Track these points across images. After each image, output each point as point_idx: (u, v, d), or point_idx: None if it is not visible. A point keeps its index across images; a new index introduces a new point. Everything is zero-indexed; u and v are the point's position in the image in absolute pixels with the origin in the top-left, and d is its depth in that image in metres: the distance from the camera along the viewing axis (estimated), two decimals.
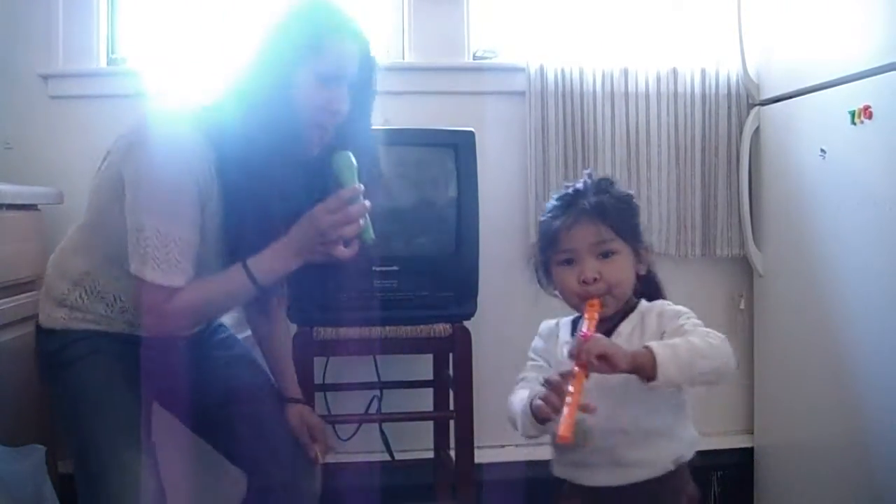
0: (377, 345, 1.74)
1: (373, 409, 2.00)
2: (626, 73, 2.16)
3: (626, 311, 1.22)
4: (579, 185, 1.26)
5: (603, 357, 1.05)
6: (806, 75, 1.89)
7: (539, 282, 1.29)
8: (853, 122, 1.69)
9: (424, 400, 2.00)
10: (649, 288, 1.27)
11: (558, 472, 1.26)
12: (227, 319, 1.61)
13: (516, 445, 2.05)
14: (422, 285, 1.76)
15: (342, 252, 1.26)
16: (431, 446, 2.03)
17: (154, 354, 1.35)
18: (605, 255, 1.19)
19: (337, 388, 1.98)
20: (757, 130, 2.14)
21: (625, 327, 1.20)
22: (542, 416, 1.10)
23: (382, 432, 2.01)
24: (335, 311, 1.71)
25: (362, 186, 1.26)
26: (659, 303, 1.23)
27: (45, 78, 2.09)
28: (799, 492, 1.98)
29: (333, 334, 1.71)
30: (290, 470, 1.41)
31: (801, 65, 1.92)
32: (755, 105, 2.16)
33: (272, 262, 1.26)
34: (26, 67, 2.08)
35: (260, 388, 1.48)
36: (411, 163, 1.84)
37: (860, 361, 1.72)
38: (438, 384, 1.98)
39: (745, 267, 2.25)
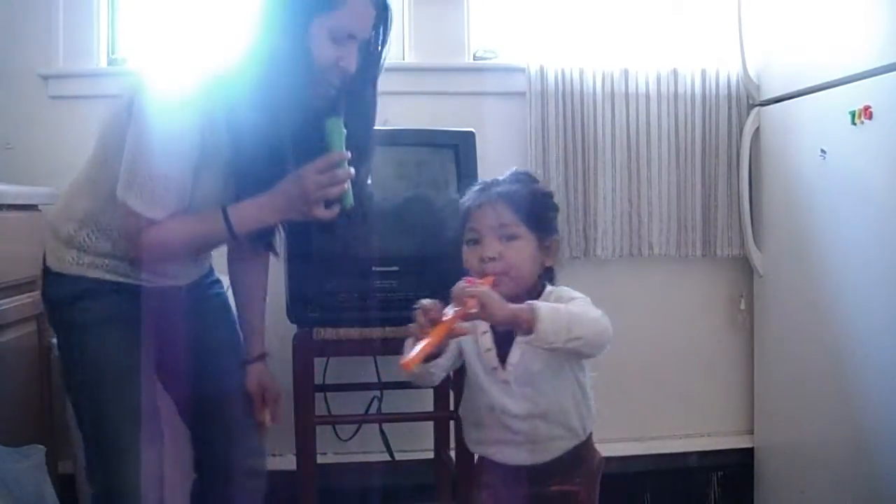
0: (377, 345, 1.73)
1: (373, 410, 2.00)
2: (626, 73, 2.17)
3: (534, 296, 1.27)
4: (499, 177, 1.33)
5: (481, 304, 1.11)
6: (806, 75, 1.89)
7: (446, 259, 1.38)
8: (853, 123, 1.69)
9: (424, 400, 2.00)
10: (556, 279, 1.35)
11: (473, 448, 1.34)
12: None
13: None
14: (422, 285, 1.76)
15: (323, 213, 1.28)
16: (431, 446, 2.03)
17: (156, 308, 1.36)
18: (508, 238, 1.26)
19: (337, 388, 1.98)
20: (757, 131, 2.14)
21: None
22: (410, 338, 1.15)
23: (382, 432, 2.00)
24: (335, 311, 1.71)
25: (349, 153, 1.28)
26: (561, 287, 1.31)
27: (45, 78, 2.09)
28: (799, 492, 1.98)
29: (333, 334, 1.70)
30: (236, 450, 1.43)
31: (801, 65, 1.92)
32: (755, 105, 2.16)
33: (252, 213, 1.29)
34: (26, 67, 2.08)
35: (227, 359, 1.48)
36: (411, 163, 1.84)
37: (860, 362, 1.72)
38: (438, 384, 1.97)
39: (745, 267, 2.25)
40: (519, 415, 1.26)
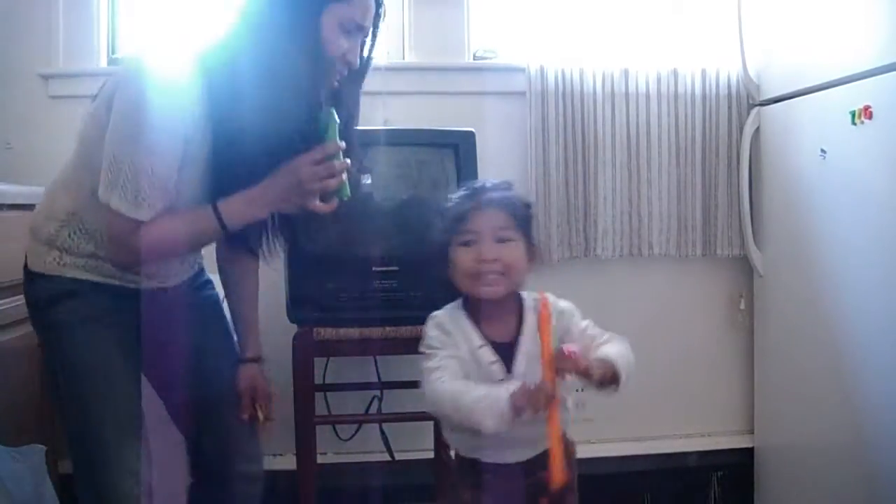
0: (377, 345, 1.73)
1: (373, 410, 2.00)
2: (626, 73, 2.17)
3: (517, 304, 1.35)
4: (486, 182, 1.38)
5: (585, 369, 1.20)
6: (806, 75, 1.89)
7: (430, 264, 1.40)
8: (853, 122, 1.69)
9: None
10: None
11: (468, 454, 1.35)
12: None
13: None
14: (422, 285, 1.76)
15: (320, 206, 1.26)
16: (431, 446, 2.03)
17: (143, 310, 1.32)
18: (503, 240, 1.30)
19: (337, 388, 1.98)
20: (757, 131, 2.14)
21: (527, 326, 1.32)
22: (520, 413, 1.18)
23: (382, 432, 2.01)
24: (335, 311, 1.71)
25: (344, 143, 1.26)
26: (549, 296, 1.33)
27: (45, 78, 2.09)
28: (799, 492, 1.98)
29: (333, 334, 1.70)
30: (231, 455, 1.41)
31: (801, 65, 1.92)
32: (755, 105, 2.16)
33: (244, 207, 1.25)
34: (26, 67, 2.08)
35: (221, 362, 1.46)
36: (411, 163, 1.84)
37: (860, 361, 1.72)
38: None
39: (745, 267, 2.25)
40: (524, 420, 1.26)
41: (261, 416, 1.46)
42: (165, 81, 1.18)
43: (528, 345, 1.31)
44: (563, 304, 1.35)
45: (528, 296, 1.36)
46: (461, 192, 1.36)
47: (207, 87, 1.20)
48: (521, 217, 1.33)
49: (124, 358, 1.32)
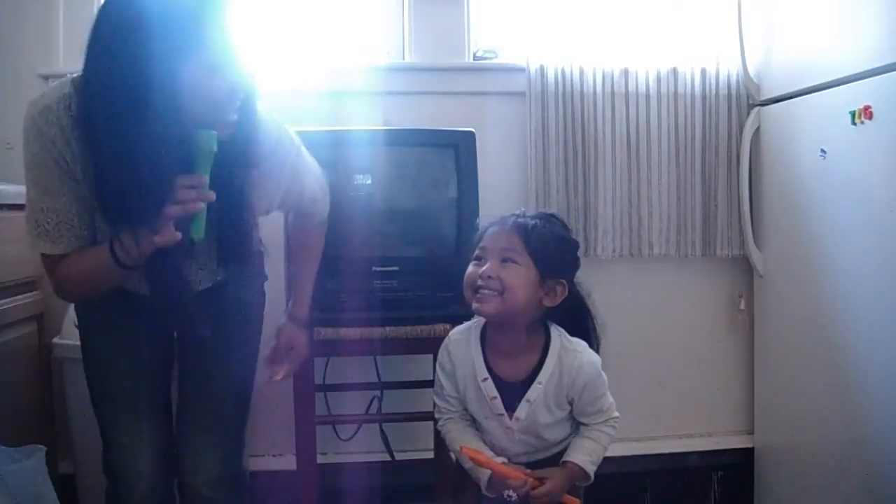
0: (377, 345, 1.73)
1: (373, 409, 2.00)
2: (626, 73, 2.17)
3: (543, 345, 1.35)
4: (525, 210, 1.41)
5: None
6: (806, 75, 1.89)
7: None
8: (853, 123, 1.69)
9: (424, 400, 2.00)
10: (573, 321, 1.40)
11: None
12: None
13: None
14: (422, 285, 1.76)
15: (162, 235, 1.15)
16: (431, 446, 2.03)
17: (158, 310, 1.32)
18: (507, 260, 1.31)
19: (337, 388, 1.98)
20: (757, 130, 2.14)
21: (543, 375, 1.34)
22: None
23: (383, 432, 2.01)
24: (335, 311, 1.71)
25: (206, 177, 1.16)
26: (581, 354, 1.35)
27: (46, 78, 2.09)
28: (799, 492, 1.98)
29: (334, 334, 1.70)
30: (212, 481, 1.40)
31: (801, 65, 1.92)
32: (755, 105, 2.16)
33: (131, 241, 1.18)
34: (26, 67, 2.08)
35: (231, 380, 1.44)
36: (411, 163, 1.84)
37: (860, 361, 1.72)
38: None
39: (745, 267, 2.25)
40: (518, 453, 1.36)
41: (279, 375, 1.51)
42: (33, 123, 1.25)
43: (538, 391, 1.33)
44: (589, 371, 1.34)
45: (557, 336, 1.36)
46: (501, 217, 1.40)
47: (75, 125, 1.21)
48: (539, 245, 1.32)
49: (127, 345, 1.36)
